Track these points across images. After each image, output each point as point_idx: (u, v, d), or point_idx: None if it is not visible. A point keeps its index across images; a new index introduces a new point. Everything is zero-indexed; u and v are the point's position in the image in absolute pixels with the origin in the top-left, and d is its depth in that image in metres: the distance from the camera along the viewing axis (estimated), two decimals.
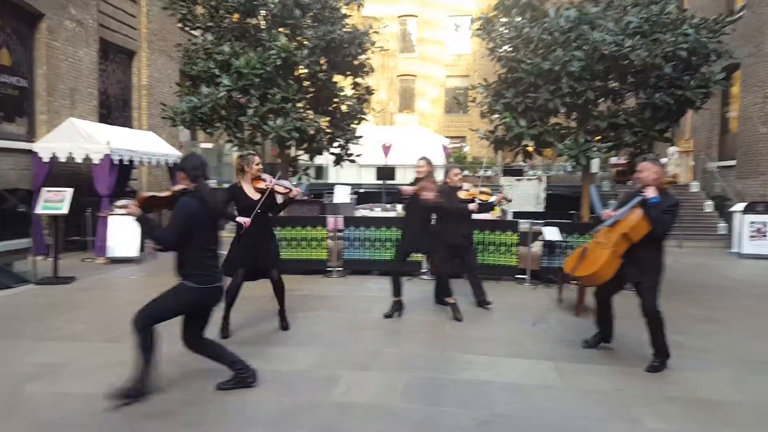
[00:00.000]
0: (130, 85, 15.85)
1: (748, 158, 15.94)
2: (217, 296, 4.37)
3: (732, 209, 14.80)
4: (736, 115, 17.23)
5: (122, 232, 11.20)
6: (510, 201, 7.86)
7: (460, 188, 7.42)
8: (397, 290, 6.90)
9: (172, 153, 13.58)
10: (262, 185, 5.84)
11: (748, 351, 5.80)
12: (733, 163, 16.91)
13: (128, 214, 4.20)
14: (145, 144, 13.03)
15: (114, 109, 15.28)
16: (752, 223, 13.47)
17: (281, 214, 7.14)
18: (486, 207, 7.45)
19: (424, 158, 6.78)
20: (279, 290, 6.23)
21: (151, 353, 4.17)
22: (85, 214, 11.78)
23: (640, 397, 4.50)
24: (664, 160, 18.06)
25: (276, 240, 6.43)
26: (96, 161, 11.07)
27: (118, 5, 14.64)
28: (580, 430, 3.93)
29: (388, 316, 6.87)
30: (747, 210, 13.65)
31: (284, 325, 6.31)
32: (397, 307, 6.94)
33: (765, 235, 13.37)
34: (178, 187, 4.34)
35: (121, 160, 11.54)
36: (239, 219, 5.66)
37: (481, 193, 7.30)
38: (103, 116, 14.39)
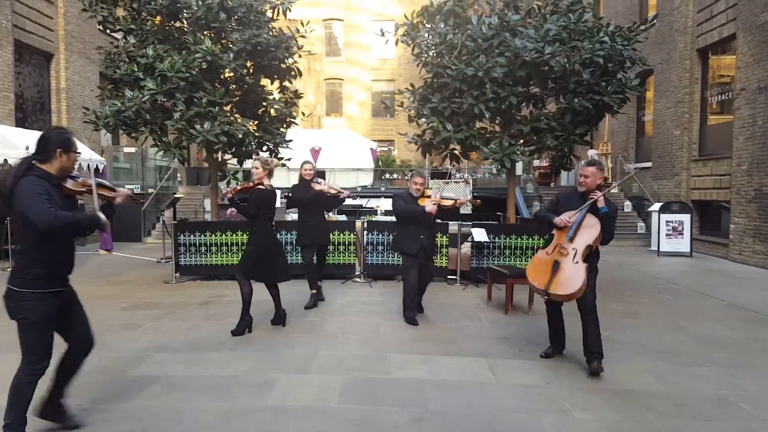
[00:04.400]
0: (48, 88, 15.24)
1: (662, 160, 16.76)
2: None
3: (649, 209, 15.51)
4: (650, 118, 18.10)
5: None
6: (479, 203, 7.78)
7: (421, 197, 6.94)
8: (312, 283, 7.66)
9: (94, 157, 13.11)
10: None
11: (666, 344, 6.12)
12: (649, 164, 17.74)
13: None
14: None
15: (31, 113, 14.66)
16: (668, 222, 14.16)
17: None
18: (450, 212, 7.26)
19: (309, 162, 7.60)
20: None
21: None
22: (5, 222, 11.22)
23: (568, 390, 4.67)
24: (583, 162, 18.75)
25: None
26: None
27: (33, 6, 14.05)
28: (511, 422, 4.05)
29: (308, 307, 7.49)
30: (663, 210, 14.33)
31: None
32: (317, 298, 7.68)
33: (680, 234, 14.07)
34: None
35: None
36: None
37: (443, 199, 7.03)
38: (20, 120, 13.82)
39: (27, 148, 10.58)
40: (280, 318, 6.60)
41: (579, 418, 4.13)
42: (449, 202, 6.94)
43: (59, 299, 3.55)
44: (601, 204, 5.02)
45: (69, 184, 3.59)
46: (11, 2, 13.13)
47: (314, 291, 7.69)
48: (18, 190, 3.33)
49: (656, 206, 14.84)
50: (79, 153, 3.71)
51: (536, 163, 19.15)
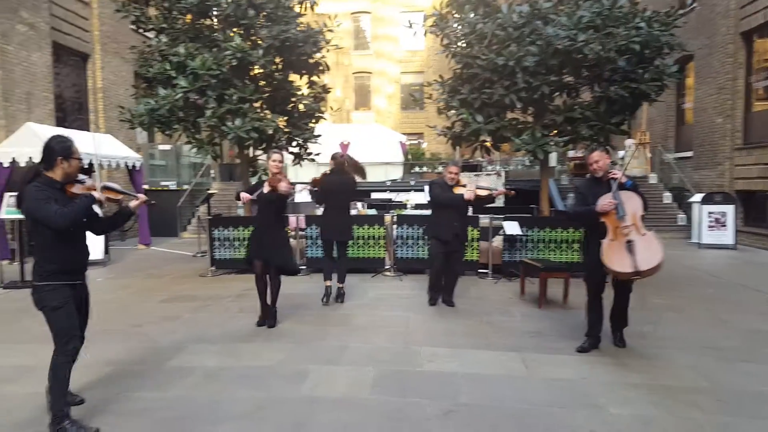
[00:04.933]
0: (85, 88, 15.54)
1: (704, 149, 16.28)
2: None
3: (690, 200, 15.09)
4: (691, 106, 17.59)
5: (87, 236, 11.02)
6: (513, 193, 7.75)
7: (455, 186, 7.09)
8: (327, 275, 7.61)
9: (131, 155, 13.33)
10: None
11: (709, 338, 5.89)
12: (690, 154, 17.26)
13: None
14: (104, 147, 12.78)
15: (70, 113, 14.99)
16: (710, 213, 13.74)
17: None
18: (485, 203, 7.39)
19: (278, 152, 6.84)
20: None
21: None
22: None
23: (603, 384, 4.54)
24: (621, 153, 18.39)
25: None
26: None
27: (69, 8, 14.33)
28: (543, 416, 3.95)
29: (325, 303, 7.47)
30: (705, 201, 13.91)
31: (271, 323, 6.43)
32: (330, 291, 7.57)
33: (723, 225, 13.66)
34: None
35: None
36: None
37: (479, 189, 7.11)
38: (60, 120, 14.15)
39: None
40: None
41: (615, 413, 4.00)
42: (485, 192, 7.03)
43: (74, 290, 3.92)
44: (623, 180, 5.14)
45: (76, 188, 3.88)
46: (49, 5, 13.40)
47: (328, 284, 7.59)
48: (24, 196, 3.74)
49: (698, 197, 14.42)
50: (80, 159, 3.95)
51: (571, 153, 18.84)
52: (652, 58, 8.75)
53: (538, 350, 5.46)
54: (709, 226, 13.76)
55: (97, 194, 3.85)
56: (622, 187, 5.12)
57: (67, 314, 3.81)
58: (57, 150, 3.79)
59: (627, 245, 4.96)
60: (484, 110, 9.11)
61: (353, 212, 11.44)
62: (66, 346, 3.77)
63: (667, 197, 17.12)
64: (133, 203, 4.18)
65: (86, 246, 4.10)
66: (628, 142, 17.54)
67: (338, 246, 7.56)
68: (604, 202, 5.03)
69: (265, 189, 6.27)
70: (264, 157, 10.94)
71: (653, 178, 18.12)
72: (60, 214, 3.61)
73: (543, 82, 8.67)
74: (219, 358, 5.31)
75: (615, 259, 4.99)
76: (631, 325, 5.68)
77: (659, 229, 15.79)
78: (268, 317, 6.40)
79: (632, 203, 5.07)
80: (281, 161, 6.40)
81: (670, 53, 8.87)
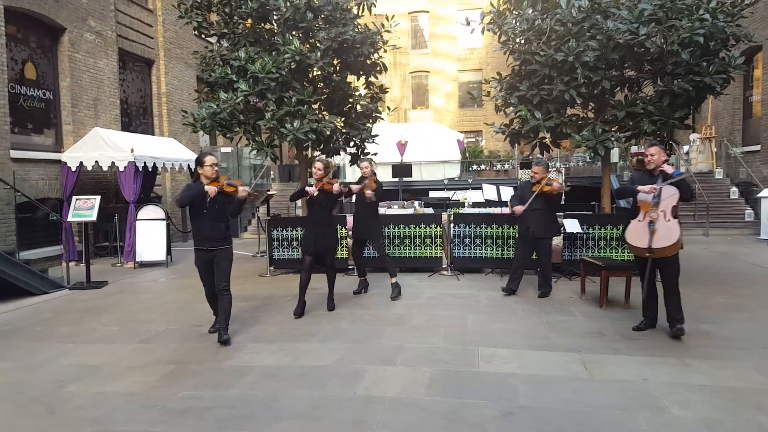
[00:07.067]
0: (150, 93, 16.09)
1: None
2: None
3: (759, 195, 14.53)
4: (759, 98, 16.91)
5: (150, 237, 11.53)
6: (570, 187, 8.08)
7: (536, 184, 7.64)
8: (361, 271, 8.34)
9: (193, 158, 13.73)
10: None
11: None
12: (757, 148, 16.60)
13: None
14: (167, 150, 13.24)
15: (135, 117, 15.54)
16: None
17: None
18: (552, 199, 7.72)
19: (366, 159, 7.96)
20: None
21: None
22: (114, 221, 12.13)
23: (666, 386, 4.45)
24: (686, 148, 17.82)
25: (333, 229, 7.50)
26: (121, 168, 11.40)
27: (135, 15, 14.86)
28: (605, 419, 3.90)
29: (356, 292, 8.15)
30: None
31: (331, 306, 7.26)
32: (363, 285, 8.28)
33: None
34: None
35: (145, 167, 11.77)
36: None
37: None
38: (126, 124, 14.69)
39: (132, 150, 11.28)
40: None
41: (677, 415, 3.92)
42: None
43: (203, 254, 6.02)
44: (671, 170, 5.69)
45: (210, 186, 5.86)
46: (115, 13, 13.93)
47: (362, 278, 8.33)
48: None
49: (766, 192, 13.87)
50: (212, 166, 5.95)
51: (634, 149, 18.38)
52: (717, 50, 8.45)
53: (598, 351, 5.38)
54: None
55: (207, 188, 5.78)
56: (667, 177, 5.64)
57: (199, 271, 6.14)
58: (196, 161, 6.07)
59: (649, 225, 5.62)
60: (543, 107, 8.99)
61: (410, 211, 11.53)
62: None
63: (734, 192, 16.53)
64: (241, 194, 6.04)
65: (208, 222, 5.95)
66: (693, 136, 16.99)
67: (373, 243, 8.25)
68: (647, 187, 5.69)
69: (314, 192, 6.97)
70: (323, 158, 11.10)
71: (719, 173, 17.52)
72: (178, 198, 6.13)
73: (603, 77, 8.50)
74: (277, 357, 5.42)
75: (634, 236, 5.76)
76: (693, 324, 5.59)
77: (726, 225, 15.28)
78: (327, 299, 7.27)
79: (668, 193, 5.60)
80: (321, 168, 7.03)
81: (736, 45, 8.55)
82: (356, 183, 7.89)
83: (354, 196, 7.97)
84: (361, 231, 8.08)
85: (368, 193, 7.45)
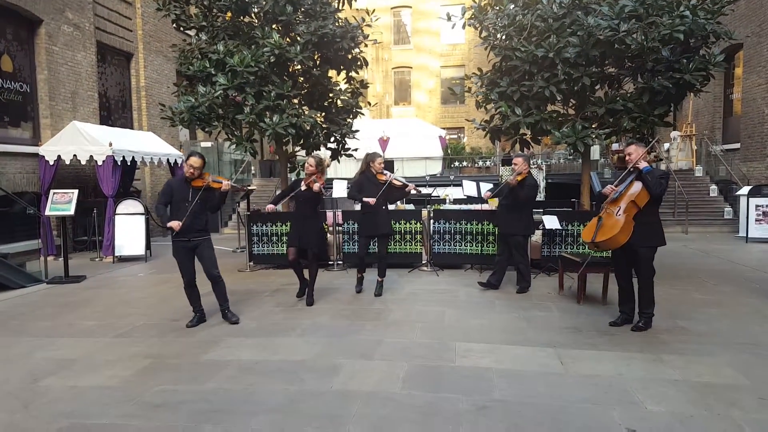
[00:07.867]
0: (129, 86, 15.89)
1: (752, 141, 15.79)
2: None
3: (738, 193, 14.67)
4: (739, 96, 17.08)
5: (129, 232, 11.44)
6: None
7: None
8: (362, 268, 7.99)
9: (172, 152, 13.61)
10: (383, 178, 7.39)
11: (751, 335, 5.71)
12: (737, 146, 16.76)
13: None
14: (146, 144, 13.10)
15: (114, 111, 15.35)
16: (758, 206, 13.31)
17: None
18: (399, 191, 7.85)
19: (314, 157, 7.53)
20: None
21: None
22: (92, 215, 12.04)
23: (641, 381, 4.45)
24: (666, 145, 17.94)
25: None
26: (100, 162, 11.26)
27: (113, 8, 14.65)
28: (579, 413, 3.89)
29: (358, 291, 7.86)
30: (752, 193, 13.48)
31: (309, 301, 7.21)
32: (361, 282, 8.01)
33: None
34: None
35: (123, 161, 11.64)
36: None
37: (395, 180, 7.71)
38: (104, 118, 14.51)
39: (110, 144, 11.14)
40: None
41: (651, 410, 3.92)
42: (399, 183, 7.59)
43: (184, 244, 6.07)
44: (643, 165, 5.62)
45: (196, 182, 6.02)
46: (93, 6, 13.73)
47: (360, 276, 8.04)
48: None
49: (745, 190, 13.98)
50: (190, 165, 5.98)
51: (615, 146, 18.50)
52: (698, 47, 8.49)
53: (575, 346, 5.37)
54: (757, 220, 13.34)
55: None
56: (639, 175, 5.61)
57: (179, 262, 6.13)
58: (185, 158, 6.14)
59: (598, 220, 5.85)
60: (523, 103, 8.99)
61: (391, 207, 11.48)
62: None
63: (714, 190, 16.69)
64: (224, 188, 6.09)
65: (198, 217, 6.07)
66: (674, 134, 17.11)
67: (378, 241, 7.63)
68: (607, 188, 5.87)
69: (303, 187, 6.98)
70: (303, 153, 11.03)
71: (699, 171, 17.67)
72: (155, 206, 6.39)
73: (584, 73, 8.51)
74: (254, 351, 5.39)
75: (586, 230, 6.09)
76: (670, 320, 5.61)
77: (705, 222, 15.42)
78: (306, 294, 7.25)
79: (631, 189, 5.67)
80: (313, 165, 7.11)
81: (717, 42, 8.58)
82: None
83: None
84: (376, 227, 7.53)
85: (315, 186, 7.00)
